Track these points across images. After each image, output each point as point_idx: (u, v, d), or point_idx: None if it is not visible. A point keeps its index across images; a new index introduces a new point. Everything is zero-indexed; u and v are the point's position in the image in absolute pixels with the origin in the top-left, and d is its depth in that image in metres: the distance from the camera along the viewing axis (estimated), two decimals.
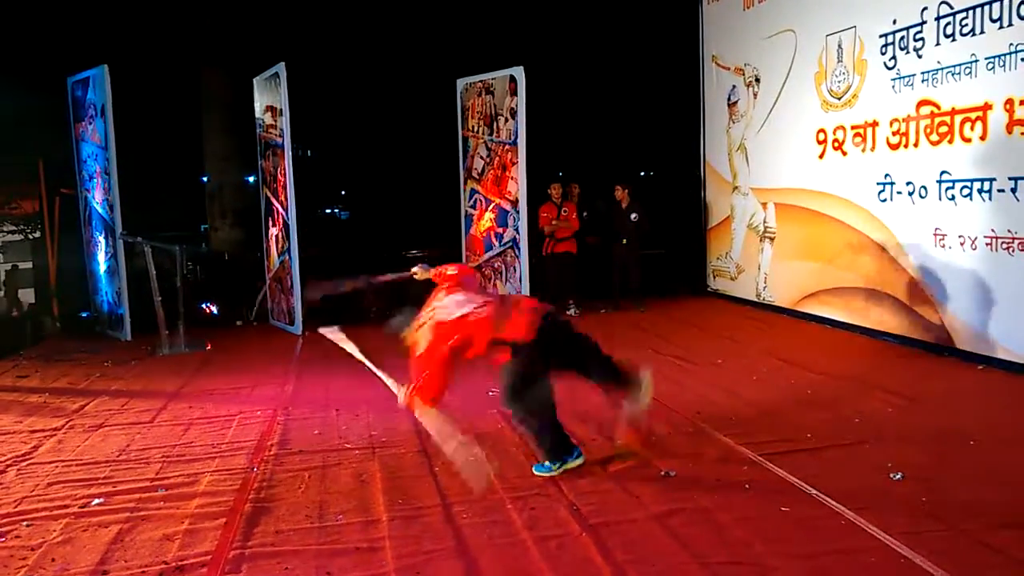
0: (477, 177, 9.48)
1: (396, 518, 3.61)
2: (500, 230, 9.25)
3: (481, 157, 9.40)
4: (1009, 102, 5.70)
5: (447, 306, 4.07)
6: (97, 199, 8.79)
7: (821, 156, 7.91)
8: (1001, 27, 5.73)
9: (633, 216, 9.34)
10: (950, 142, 6.27)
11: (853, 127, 7.41)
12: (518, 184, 8.92)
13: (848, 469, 4.02)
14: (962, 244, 6.19)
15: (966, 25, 6.05)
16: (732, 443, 4.47)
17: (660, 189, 11.19)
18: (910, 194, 6.72)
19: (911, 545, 3.12)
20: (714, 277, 10.31)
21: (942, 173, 6.36)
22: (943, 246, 6.38)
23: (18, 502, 3.94)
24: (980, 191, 6.01)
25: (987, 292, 6.01)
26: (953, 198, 6.27)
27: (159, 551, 3.34)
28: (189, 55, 11.07)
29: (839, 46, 7.52)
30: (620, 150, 12.18)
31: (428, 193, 11.96)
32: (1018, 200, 5.68)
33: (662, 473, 4.04)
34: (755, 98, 9.10)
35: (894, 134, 6.88)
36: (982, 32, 5.91)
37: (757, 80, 9.05)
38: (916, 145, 6.63)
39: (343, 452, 4.59)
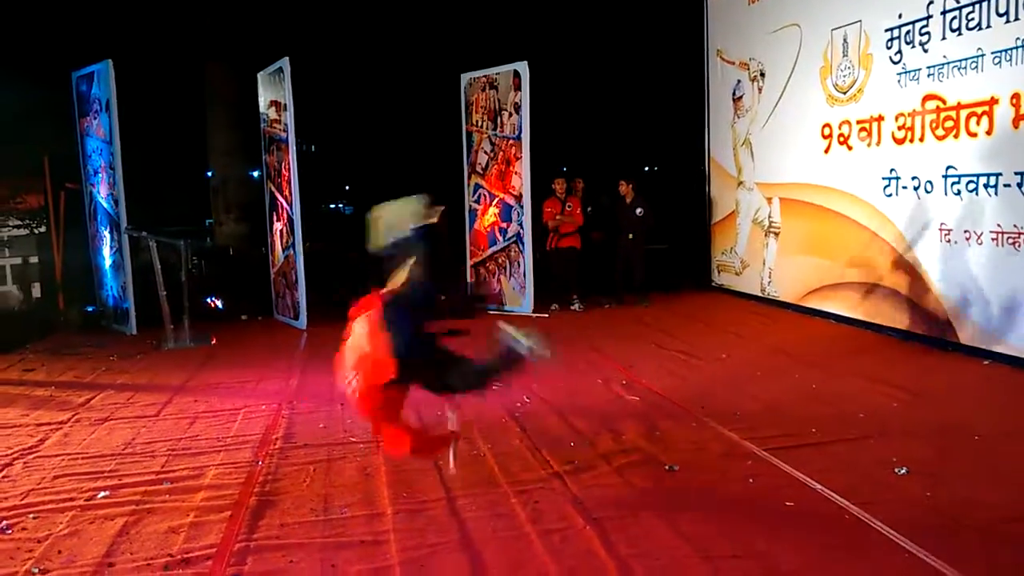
0: (481, 172, 9.47)
1: (400, 511, 3.62)
2: (504, 225, 9.25)
3: (485, 152, 9.39)
4: (1015, 96, 5.67)
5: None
6: (102, 194, 8.81)
7: (826, 151, 7.89)
8: (1008, 21, 5.70)
9: (638, 211, 9.33)
10: (956, 137, 6.24)
11: (859, 122, 7.38)
12: (522, 179, 8.92)
13: (852, 464, 4.01)
14: (967, 239, 6.17)
15: (972, 19, 6.02)
16: (736, 437, 4.47)
17: (665, 184, 11.18)
18: (916, 189, 6.70)
19: (915, 540, 3.12)
20: (718, 272, 10.30)
21: (948, 168, 6.33)
22: (948, 241, 6.37)
23: (24, 495, 3.96)
24: (986, 186, 5.99)
25: (992, 287, 5.99)
26: (959, 193, 6.25)
27: (164, 544, 3.35)
28: (193, 50, 11.08)
29: (844, 40, 7.49)
30: (624, 145, 12.16)
31: (432, 188, 11.97)
32: None
33: (666, 467, 4.05)
34: (760, 93, 9.08)
35: (900, 129, 6.85)
36: (988, 26, 5.88)
37: (762, 74, 9.02)
38: (922, 140, 6.61)
39: (348, 446, 4.60)
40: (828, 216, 7.88)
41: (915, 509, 3.44)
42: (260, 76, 9.22)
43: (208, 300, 9.60)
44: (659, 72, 11.22)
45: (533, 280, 9.04)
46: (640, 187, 9.58)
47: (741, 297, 9.60)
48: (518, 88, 8.84)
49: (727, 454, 4.24)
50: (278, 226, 9.18)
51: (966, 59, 6.08)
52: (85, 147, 9.08)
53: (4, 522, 3.61)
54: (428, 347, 3.66)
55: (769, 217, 9.00)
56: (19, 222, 9.53)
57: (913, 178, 6.72)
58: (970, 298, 6.19)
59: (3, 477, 4.25)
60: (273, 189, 9.20)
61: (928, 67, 6.47)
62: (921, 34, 6.54)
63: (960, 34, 6.14)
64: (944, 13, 6.28)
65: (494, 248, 9.42)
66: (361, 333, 3.56)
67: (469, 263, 9.78)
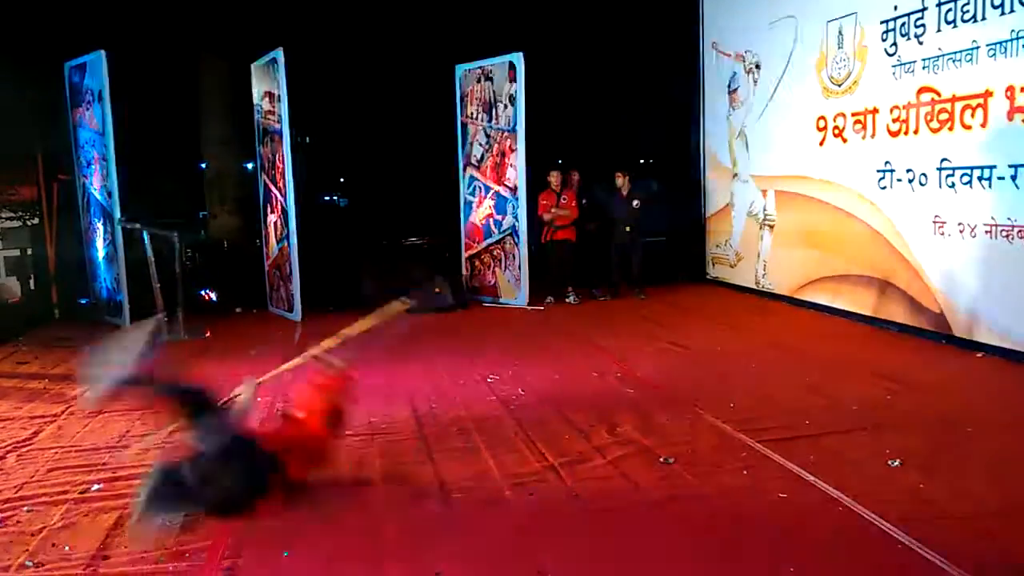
0: (476, 164, 9.45)
1: (395, 505, 3.62)
2: (499, 217, 9.24)
3: (480, 144, 9.37)
4: (1010, 89, 5.68)
5: None
6: (95, 185, 8.77)
7: (821, 143, 7.89)
8: (1003, 13, 5.70)
9: (635, 203, 9.32)
10: (950, 129, 6.25)
11: (853, 114, 7.38)
12: (517, 171, 8.90)
13: (846, 456, 4.03)
14: (962, 232, 6.18)
15: (967, 11, 6.02)
16: (730, 430, 4.48)
17: (660, 176, 11.16)
18: (910, 181, 6.71)
19: (909, 531, 3.14)
20: (713, 265, 10.31)
21: (942, 160, 6.34)
22: (943, 234, 6.38)
23: (18, 488, 3.95)
24: (980, 178, 6.00)
25: (986, 280, 6.01)
26: (953, 185, 6.26)
27: (159, 537, 3.34)
28: (187, 40, 10.99)
29: (840, 32, 7.48)
30: (620, 137, 12.13)
31: (427, 180, 11.93)
32: (1018, 188, 5.67)
33: (661, 460, 4.06)
34: (755, 85, 9.07)
35: (894, 121, 6.85)
36: (983, 18, 5.88)
37: (757, 67, 9.01)
38: (916, 132, 6.61)
39: (343, 438, 4.58)
40: (823, 209, 7.89)
41: (908, 501, 3.45)
42: (254, 67, 9.17)
43: (202, 292, 9.57)
44: (654, 64, 11.18)
45: (528, 273, 9.04)
46: (636, 179, 9.57)
47: (736, 290, 9.62)
48: (513, 80, 8.81)
49: (721, 446, 4.25)
50: (272, 218, 9.15)
51: (961, 51, 6.08)
52: (78, 138, 9.02)
53: None
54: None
55: (764, 210, 9.01)
56: (12, 214, 9.47)
57: (908, 170, 6.72)
58: (964, 291, 6.21)
59: None
60: (267, 181, 9.17)
61: (923, 59, 6.47)
62: (916, 26, 6.54)
63: (955, 26, 6.14)
64: (940, 5, 6.28)
65: (489, 240, 9.41)
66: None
67: (464, 256, 9.77)
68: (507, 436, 4.54)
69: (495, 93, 9.10)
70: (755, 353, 6.43)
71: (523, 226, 8.96)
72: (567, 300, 9.22)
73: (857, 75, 7.29)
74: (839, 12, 7.46)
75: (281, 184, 8.63)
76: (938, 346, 6.35)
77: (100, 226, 8.82)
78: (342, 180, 15.53)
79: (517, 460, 4.14)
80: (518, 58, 8.76)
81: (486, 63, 9.20)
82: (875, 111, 7.09)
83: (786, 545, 3.09)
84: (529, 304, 8.99)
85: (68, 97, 9.07)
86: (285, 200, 8.58)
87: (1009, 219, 5.76)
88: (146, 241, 7.92)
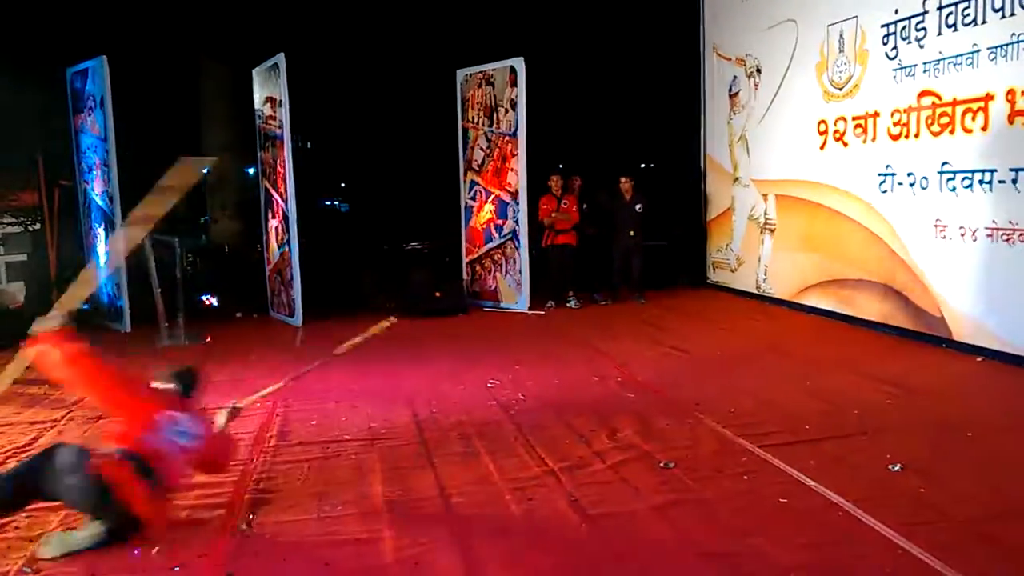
0: (477, 168, 9.46)
1: (395, 509, 3.61)
2: (500, 222, 9.24)
3: (481, 148, 9.38)
4: (1011, 93, 5.67)
5: None
6: (97, 191, 8.78)
7: (822, 147, 7.89)
8: (1003, 17, 5.70)
9: (638, 207, 9.34)
10: (951, 133, 6.24)
11: (854, 118, 7.38)
12: (518, 176, 8.91)
13: (847, 460, 4.02)
14: (963, 235, 6.17)
15: (968, 15, 6.02)
16: (731, 434, 4.47)
17: (661, 181, 11.16)
18: (911, 185, 6.70)
19: (909, 536, 3.12)
20: (714, 269, 10.30)
21: (943, 164, 6.33)
22: (943, 237, 6.37)
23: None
24: (981, 182, 5.99)
25: (987, 284, 6.00)
26: (954, 189, 6.25)
27: (157, 542, 3.33)
28: (188, 46, 11.03)
29: (841, 36, 7.49)
30: (620, 141, 12.14)
31: (428, 185, 11.94)
32: (1019, 191, 5.66)
33: (661, 464, 4.05)
34: (756, 89, 9.07)
35: (895, 125, 6.85)
36: (984, 22, 5.88)
37: (758, 70, 9.01)
38: (917, 136, 6.61)
39: (342, 443, 4.59)
40: (823, 213, 7.88)
41: (908, 506, 3.44)
42: (255, 72, 9.19)
43: (203, 298, 9.57)
44: (655, 68, 11.20)
45: (529, 277, 9.03)
46: (639, 184, 9.59)
47: (736, 294, 9.61)
48: (514, 84, 8.82)
49: (722, 451, 4.24)
50: (273, 223, 9.16)
51: (962, 55, 6.08)
52: (80, 144, 9.04)
53: None
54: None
55: (765, 214, 9.00)
56: (13, 219, 9.49)
57: (908, 174, 6.72)
58: (964, 294, 6.19)
59: None
60: (268, 186, 9.18)
61: (924, 63, 6.47)
62: (917, 30, 6.54)
63: (956, 30, 6.14)
64: (940, 9, 6.28)
65: (490, 245, 9.41)
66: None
67: (465, 260, 9.77)
68: (507, 441, 4.53)
69: (496, 98, 9.11)
70: (755, 358, 6.41)
71: (524, 230, 8.96)
72: (568, 304, 9.21)
73: (858, 79, 7.29)
74: (840, 16, 7.46)
75: (282, 189, 8.64)
76: (938, 350, 6.34)
77: (101, 231, 8.83)
78: (343, 185, 15.55)
79: (517, 465, 4.13)
80: (519, 63, 8.77)
81: (487, 67, 9.21)
82: (876, 115, 7.09)
83: (786, 550, 3.08)
84: (530, 308, 8.99)
85: (70, 103, 9.09)
86: (286, 205, 8.59)
87: (1010, 222, 5.75)
88: (147, 246, 7.92)
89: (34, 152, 9.43)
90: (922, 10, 6.46)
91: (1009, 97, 5.69)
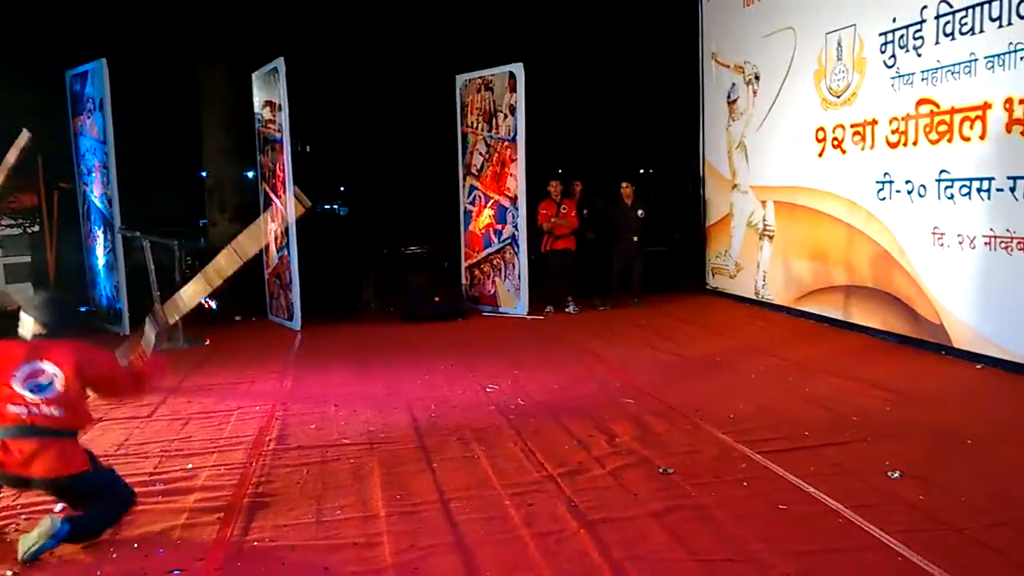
0: (476, 173, 9.47)
1: (394, 513, 3.61)
2: (499, 227, 9.25)
3: (480, 153, 9.39)
4: (1009, 101, 5.70)
5: None
6: (96, 193, 8.78)
7: (820, 154, 7.91)
8: (1001, 26, 5.73)
9: (639, 212, 9.36)
10: (949, 141, 6.27)
11: (852, 125, 7.41)
12: (517, 181, 8.92)
13: (846, 467, 4.02)
14: (961, 243, 6.19)
15: (966, 24, 6.05)
16: (730, 440, 4.47)
17: (660, 187, 11.20)
18: (909, 193, 6.72)
19: (908, 544, 3.13)
20: (713, 275, 10.32)
21: (941, 172, 6.36)
22: (942, 245, 6.39)
23: (16, 495, 3.92)
24: (979, 190, 6.01)
25: (986, 292, 6.01)
26: (952, 197, 6.27)
27: (156, 545, 3.33)
28: (188, 49, 11.05)
29: (839, 44, 7.52)
30: (620, 147, 12.17)
31: (427, 189, 11.96)
32: (1017, 199, 5.68)
33: (660, 470, 4.05)
34: (755, 96, 9.10)
35: (893, 132, 6.88)
36: (982, 31, 5.90)
37: (757, 78, 9.04)
38: (915, 144, 6.63)
39: (341, 447, 4.59)
40: (822, 219, 7.90)
41: (907, 513, 3.44)
42: (255, 76, 9.20)
43: (202, 301, 9.55)
44: (654, 75, 11.24)
45: (528, 282, 9.04)
46: (639, 189, 9.61)
47: (735, 300, 9.62)
48: (513, 90, 8.84)
49: (721, 457, 4.24)
50: (272, 227, 9.16)
51: (960, 63, 6.10)
52: (79, 146, 9.04)
53: None
54: None
55: (763, 220, 9.02)
56: (12, 221, 9.48)
57: (907, 182, 6.74)
58: (963, 302, 6.21)
59: None
60: (267, 189, 9.18)
61: (922, 71, 6.50)
62: (915, 38, 6.56)
63: (954, 39, 6.17)
64: (938, 18, 6.31)
65: (489, 250, 9.41)
66: None
67: (464, 265, 9.78)
68: (506, 445, 4.53)
69: (495, 103, 9.13)
70: (754, 364, 6.42)
71: (523, 235, 8.97)
72: (567, 309, 9.22)
73: (856, 87, 7.32)
74: (838, 24, 7.49)
75: (281, 193, 8.64)
76: (937, 357, 6.35)
77: (100, 234, 8.83)
78: (342, 189, 15.58)
79: (516, 469, 4.13)
80: (518, 68, 8.79)
81: (486, 73, 9.23)
82: (874, 122, 7.11)
83: (784, 556, 3.08)
84: (529, 313, 8.99)
85: (69, 105, 9.09)
86: (285, 209, 8.59)
87: (1008, 231, 5.77)
88: (146, 249, 7.92)
89: (33, 154, 9.42)
90: (920, 19, 6.48)
91: (1007, 106, 5.71)
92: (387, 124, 12.94)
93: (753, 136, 9.17)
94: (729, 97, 9.67)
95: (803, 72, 8.09)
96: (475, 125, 9.42)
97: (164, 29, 10.89)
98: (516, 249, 9.07)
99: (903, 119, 6.74)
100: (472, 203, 9.58)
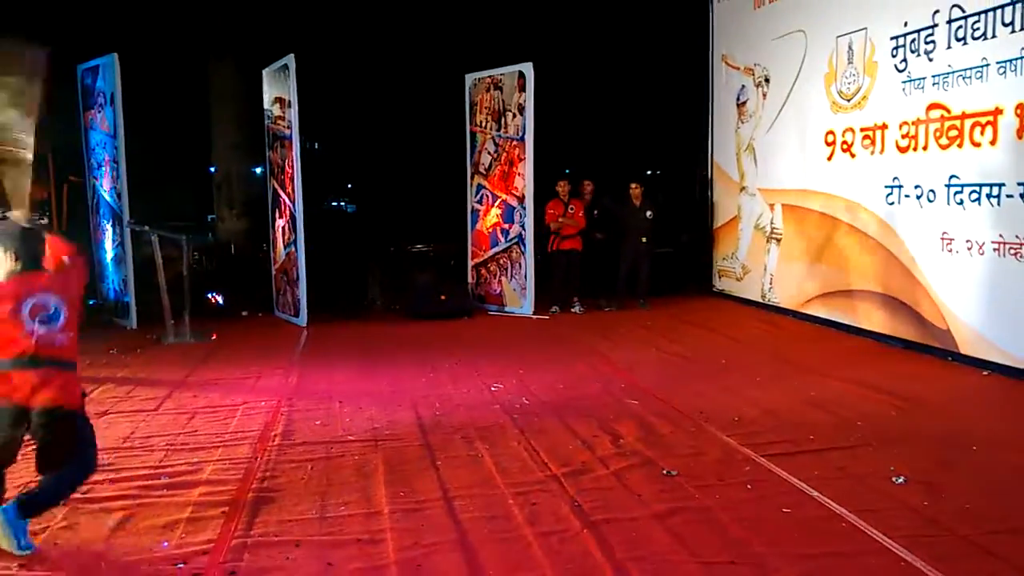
0: (484, 173, 9.48)
1: (398, 510, 3.62)
2: (506, 226, 9.26)
3: (489, 153, 9.40)
4: (1020, 107, 5.67)
5: None
6: (105, 187, 8.82)
7: (830, 158, 7.89)
8: (1013, 31, 5.70)
9: (648, 213, 9.36)
10: (959, 146, 6.24)
11: (862, 129, 7.38)
12: (525, 180, 8.92)
13: (850, 471, 4.01)
14: (969, 249, 6.17)
15: (977, 29, 6.03)
16: (734, 443, 4.47)
17: (667, 188, 11.19)
18: (918, 198, 6.70)
19: (912, 549, 3.12)
20: (720, 277, 10.30)
21: (951, 177, 6.33)
22: (950, 250, 6.36)
23: (22, 488, 3.95)
24: (989, 196, 5.99)
25: (994, 298, 5.99)
26: (961, 202, 6.25)
27: (161, 538, 3.35)
28: (199, 45, 11.09)
29: (849, 47, 7.49)
30: (628, 148, 12.17)
31: (435, 188, 11.98)
32: None
33: (664, 472, 4.05)
34: (764, 98, 9.08)
35: (903, 137, 6.85)
36: (994, 36, 5.88)
37: (767, 80, 9.03)
38: (925, 148, 6.61)
39: (346, 444, 4.60)
40: (830, 223, 7.88)
41: (912, 518, 3.44)
42: (265, 73, 9.23)
43: (209, 296, 9.60)
44: (664, 76, 11.23)
45: (534, 282, 9.04)
46: (648, 191, 9.61)
47: (742, 303, 9.60)
48: (522, 89, 8.84)
49: (725, 459, 4.24)
50: (280, 223, 9.19)
51: (971, 68, 6.08)
52: (89, 140, 9.09)
53: None
54: None
55: (771, 223, 9.00)
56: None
57: (916, 187, 6.72)
58: (971, 308, 6.18)
59: None
60: (276, 186, 9.21)
61: (933, 76, 6.47)
62: (926, 43, 6.54)
63: (965, 43, 6.15)
64: (950, 23, 6.28)
65: (496, 249, 9.42)
66: None
67: (471, 264, 9.79)
68: (510, 444, 4.53)
69: (504, 102, 9.13)
70: (760, 366, 6.41)
71: (530, 235, 8.97)
72: (573, 310, 9.22)
73: (866, 90, 7.30)
74: (849, 27, 7.47)
75: (290, 189, 8.67)
76: (944, 363, 6.33)
77: (109, 228, 8.87)
78: (350, 186, 15.62)
79: (520, 469, 4.14)
80: (528, 68, 8.79)
81: (496, 72, 9.24)
82: (884, 127, 7.09)
83: (789, 560, 3.08)
84: (534, 313, 9.00)
85: (80, 99, 9.13)
86: (294, 205, 8.62)
87: (1017, 237, 5.74)
88: (154, 243, 7.96)
89: (44, 147, 9.46)
90: (931, 23, 6.46)
91: (1018, 112, 5.69)
92: (396, 122, 12.96)
93: (762, 139, 9.15)
94: (738, 99, 9.66)
95: (813, 75, 8.07)
96: (484, 124, 9.43)
97: (175, 25, 10.93)
98: (523, 248, 9.07)
99: (913, 124, 6.72)
100: (479, 202, 9.59)
